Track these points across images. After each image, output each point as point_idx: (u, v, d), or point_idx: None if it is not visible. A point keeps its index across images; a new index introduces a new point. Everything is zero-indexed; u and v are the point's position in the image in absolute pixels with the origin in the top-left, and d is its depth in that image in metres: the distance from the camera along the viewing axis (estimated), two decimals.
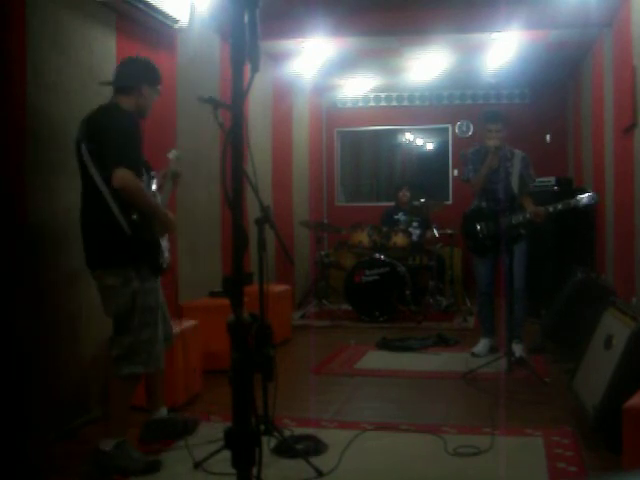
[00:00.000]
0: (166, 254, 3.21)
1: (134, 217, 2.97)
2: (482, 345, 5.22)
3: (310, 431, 3.41)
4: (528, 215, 4.73)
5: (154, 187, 3.28)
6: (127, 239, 2.96)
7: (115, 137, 2.94)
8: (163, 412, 3.44)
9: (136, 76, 3.17)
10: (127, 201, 2.94)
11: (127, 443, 3.04)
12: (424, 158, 10.00)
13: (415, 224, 7.44)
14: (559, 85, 8.54)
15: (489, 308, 5.22)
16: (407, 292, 6.82)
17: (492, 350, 5.17)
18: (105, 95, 3.90)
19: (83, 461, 3.05)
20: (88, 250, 3.06)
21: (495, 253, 4.96)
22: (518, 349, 4.82)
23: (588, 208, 4.58)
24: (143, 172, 3.11)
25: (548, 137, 8.46)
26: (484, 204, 5.03)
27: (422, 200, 7.26)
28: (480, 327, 5.43)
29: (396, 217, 7.71)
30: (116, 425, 3.04)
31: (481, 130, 5.22)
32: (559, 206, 4.62)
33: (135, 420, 3.39)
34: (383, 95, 9.26)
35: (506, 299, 4.58)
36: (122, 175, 2.88)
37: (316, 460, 2.99)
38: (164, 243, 3.22)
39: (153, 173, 3.29)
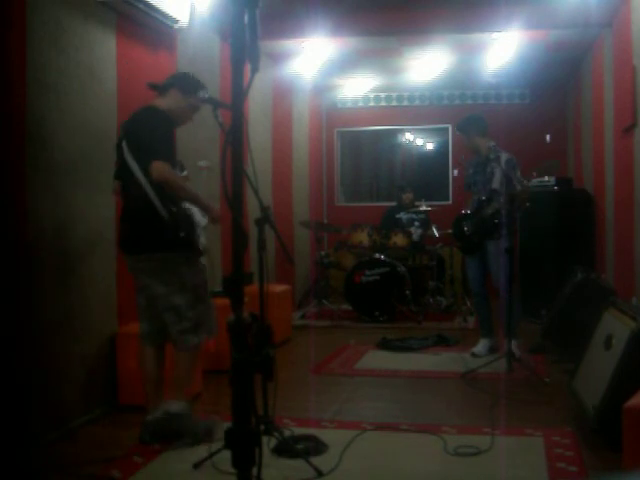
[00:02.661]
0: (202, 239, 3.46)
1: (173, 208, 3.18)
2: (481, 345, 5.24)
3: (310, 431, 3.41)
4: (497, 205, 4.84)
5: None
6: (168, 227, 3.17)
7: (154, 134, 3.15)
8: (161, 410, 3.47)
9: (169, 80, 3.42)
10: (168, 192, 3.16)
11: (190, 409, 3.36)
12: (424, 158, 10.00)
13: (417, 224, 7.45)
14: (559, 85, 8.54)
15: (485, 308, 5.27)
16: (407, 292, 6.81)
17: (492, 350, 5.19)
18: (104, 96, 3.92)
19: (83, 461, 3.05)
20: (137, 238, 3.29)
21: (482, 251, 5.12)
22: (513, 347, 4.82)
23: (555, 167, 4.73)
24: (175, 168, 3.31)
25: (548, 137, 8.46)
26: (473, 205, 5.22)
27: (425, 208, 7.29)
28: (479, 327, 5.45)
29: (398, 217, 7.72)
30: (181, 391, 3.35)
31: None
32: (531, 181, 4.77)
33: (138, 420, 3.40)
34: (383, 95, 9.26)
35: (500, 298, 4.65)
36: (159, 167, 3.09)
37: (316, 460, 2.99)
38: (198, 230, 3.44)
39: (186, 172, 3.55)
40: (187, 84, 3.44)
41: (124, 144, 3.23)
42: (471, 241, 5.15)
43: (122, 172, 3.29)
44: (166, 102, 3.37)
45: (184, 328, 3.33)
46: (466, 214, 5.23)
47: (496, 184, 4.97)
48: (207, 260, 3.56)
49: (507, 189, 4.87)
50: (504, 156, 5.03)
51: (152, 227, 3.20)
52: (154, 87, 3.43)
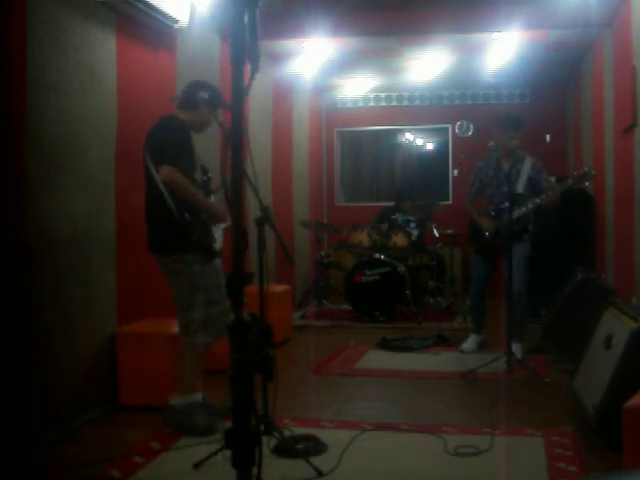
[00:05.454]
0: (219, 241, 3.57)
1: (186, 212, 3.34)
2: (471, 341, 5.39)
3: (310, 431, 3.41)
4: (538, 200, 4.73)
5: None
6: (182, 230, 3.35)
7: (166, 141, 3.34)
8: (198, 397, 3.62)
9: (197, 96, 3.54)
10: (174, 194, 3.32)
11: (195, 405, 3.45)
12: (424, 158, 10.00)
13: (412, 225, 7.44)
14: (559, 85, 8.54)
15: (482, 307, 5.38)
16: (407, 292, 6.81)
17: (481, 346, 5.35)
18: (104, 96, 3.92)
19: (83, 461, 3.05)
20: (155, 239, 3.49)
21: (498, 254, 5.02)
22: (517, 349, 4.83)
23: (589, 179, 4.61)
24: (195, 173, 3.46)
25: (548, 137, 8.46)
26: (491, 207, 5.12)
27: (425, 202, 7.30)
28: (472, 323, 5.55)
29: (394, 217, 7.70)
30: (186, 384, 3.47)
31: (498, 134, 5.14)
32: (569, 182, 4.62)
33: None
34: (383, 95, 9.26)
35: (507, 300, 4.61)
36: (167, 171, 3.27)
37: (316, 460, 2.99)
38: (217, 232, 3.56)
39: (210, 175, 3.66)
40: (216, 100, 3.58)
41: (146, 152, 3.43)
42: (491, 245, 5.05)
43: (145, 178, 3.47)
44: (193, 116, 3.53)
45: (195, 327, 3.46)
46: (487, 215, 5.12)
47: (520, 188, 4.90)
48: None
49: (534, 192, 4.84)
50: (529, 159, 5.02)
51: (168, 230, 3.40)
52: (181, 102, 3.56)
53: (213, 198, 3.67)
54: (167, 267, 3.50)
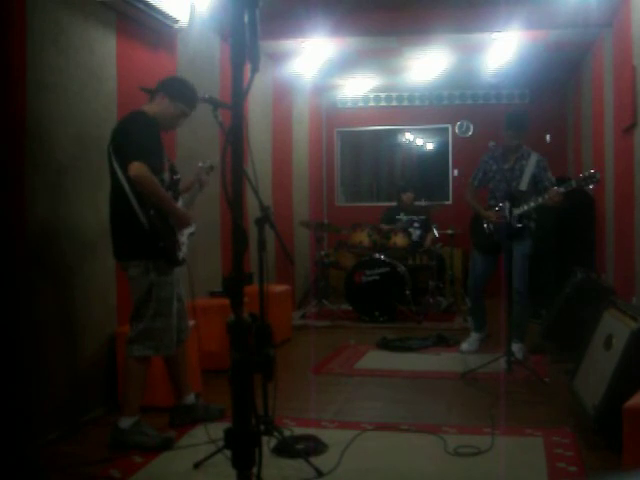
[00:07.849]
0: (184, 248, 3.41)
1: (151, 212, 3.17)
2: (471, 341, 5.38)
3: (310, 431, 3.41)
4: (540, 199, 4.70)
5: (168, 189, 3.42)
6: (145, 233, 3.18)
7: (134, 136, 3.18)
8: (190, 398, 3.61)
9: (157, 85, 3.43)
10: (140, 191, 3.14)
11: (142, 421, 3.25)
12: (424, 158, 10.00)
13: (416, 224, 7.44)
14: (559, 85, 8.55)
15: (482, 305, 5.35)
16: (407, 292, 6.82)
17: (482, 342, 5.37)
18: (104, 95, 3.92)
19: (83, 461, 3.05)
20: (114, 242, 3.32)
21: (498, 251, 5.02)
22: (517, 349, 4.83)
23: (594, 182, 4.56)
24: (163, 171, 3.31)
25: (548, 137, 8.46)
26: (493, 201, 5.10)
27: (425, 203, 7.30)
28: (471, 322, 5.52)
29: (398, 217, 7.70)
30: (130, 404, 3.26)
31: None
32: (573, 184, 4.59)
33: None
34: (383, 95, 9.26)
35: (507, 299, 4.61)
36: (136, 166, 3.09)
37: (316, 460, 2.99)
38: (182, 238, 3.41)
39: (179, 176, 3.50)
40: (173, 89, 3.41)
41: (110, 148, 3.26)
42: (491, 238, 5.03)
43: (110, 176, 3.29)
44: (153, 107, 3.39)
45: (131, 337, 3.29)
46: (488, 210, 5.09)
47: (524, 185, 4.86)
48: (186, 270, 3.44)
49: (537, 190, 4.80)
50: (534, 156, 4.96)
51: (131, 234, 3.22)
52: (147, 91, 3.45)
53: (181, 201, 3.49)
54: (128, 273, 3.29)
